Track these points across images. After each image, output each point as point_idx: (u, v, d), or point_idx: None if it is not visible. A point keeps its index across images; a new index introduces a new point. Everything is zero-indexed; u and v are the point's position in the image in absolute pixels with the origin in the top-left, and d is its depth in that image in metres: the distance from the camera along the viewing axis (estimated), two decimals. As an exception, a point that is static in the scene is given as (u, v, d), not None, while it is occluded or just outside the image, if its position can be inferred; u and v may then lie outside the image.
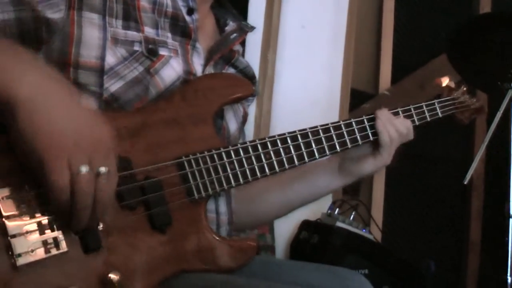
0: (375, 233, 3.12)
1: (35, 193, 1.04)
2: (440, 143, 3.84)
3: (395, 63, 3.78)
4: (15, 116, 0.98)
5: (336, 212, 2.93)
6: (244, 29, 1.57)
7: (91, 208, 1.03)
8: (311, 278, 1.43)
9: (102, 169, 1.01)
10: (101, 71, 1.23)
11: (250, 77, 1.61)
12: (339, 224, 2.77)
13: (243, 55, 1.65)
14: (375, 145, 1.58)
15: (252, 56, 3.02)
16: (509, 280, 2.52)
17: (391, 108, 1.62)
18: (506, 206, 2.59)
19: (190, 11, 1.42)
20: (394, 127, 1.57)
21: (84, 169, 0.99)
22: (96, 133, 1.03)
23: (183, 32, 1.39)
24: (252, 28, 1.60)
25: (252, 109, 2.88)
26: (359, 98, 3.64)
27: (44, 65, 1.08)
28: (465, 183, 2.37)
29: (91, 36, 1.23)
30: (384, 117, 1.57)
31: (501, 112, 2.55)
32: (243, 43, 1.65)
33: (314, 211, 2.96)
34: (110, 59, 1.24)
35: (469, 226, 4.03)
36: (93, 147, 1.01)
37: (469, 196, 4.05)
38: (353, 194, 3.44)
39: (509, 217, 2.58)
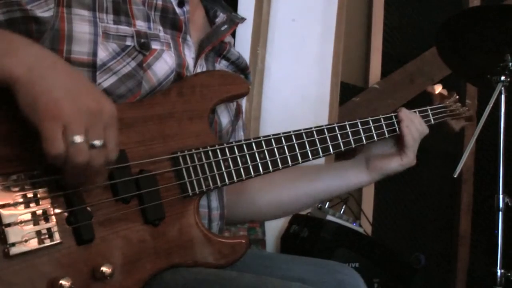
0: (365, 227, 3.13)
1: (31, 183, 1.04)
2: (430, 137, 3.84)
3: (385, 56, 3.80)
4: (17, 95, 0.98)
5: (326, 205, 2.94)
6: (235, 20, 1.56)
7: (83, 174, 1.04)
8: (302, 271, 1.43)
9: (97, 142, 1.01)
10: (93, 67, 1.23)
11: (243, 68, 1.61)
12: (330, 217, 2.78)
13: (233, 48, 1.64)
14: (400, 145, 1.65)
15: (242, 49, 3.01)
16: (499, 273, 2.53)
17: (385, 113, 1.66)
18: (496, 199, 2.60)
19: (181, 3, 1.41)
20: (415, 127, 1.64)
21: (77, 139, 0.98)
22: (97, 103, 1.03)
23: (173, 25, 1.38)
24: (243, 19, 1.59)
25: (242, 102, 2.88)
26: (349, 91, 3.65)
27: (36, 43, 1.07)
28: (455, 176, 2.38)
29: (82, 32, 1.22)
30: (407, 118, 1.64)
31: (491, 105, 2.55)
32: (233, 36, 1.65)
33: (304, 204, 2.96)
34: (102, 55, 1.23)
35: (459, 219, 4.06)
36: (92, 117, 1.01)
37: (459, 190, 4.07)
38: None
39: (498, 210, 2.58)
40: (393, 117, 1.64)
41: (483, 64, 2.75)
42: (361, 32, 3.80)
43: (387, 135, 1.63)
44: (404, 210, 3.94)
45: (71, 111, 0.98)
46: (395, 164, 1.65)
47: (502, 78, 2.61)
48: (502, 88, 2.62)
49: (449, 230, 4.10)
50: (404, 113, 1.65)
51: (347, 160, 1.69)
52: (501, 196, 2.59)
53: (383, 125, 1.62)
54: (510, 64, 2.61)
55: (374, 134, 1.60)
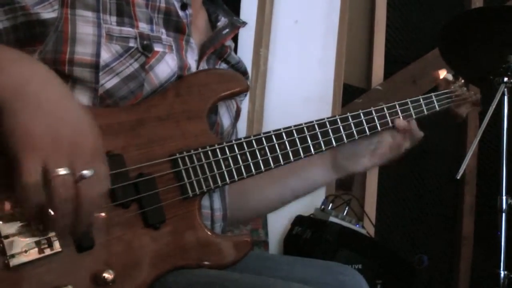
0: (368, 228, 3.12)
1: None
2: (433, 138, 3.85)
3: (387, 58, 3.79)
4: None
5: (329, 207, 2.94)
6: (236, 24, 1.57)
7: (74, 213, 0.98)
8: (304, 273, 1.43)
9: (86, 172, 0.95)
10: (96, 68, 1.22)
11: (242, 73, 1.61)
12: (332, 219, 2.77)
13: (235, 50, 1.65)
14: (372, 147, 1.61)
15: (245, 51, 3.02)
16: (501, 274, 2.52)
17: (386, 103, 1.62)
18: (499, 200, 2.59)
19: (184, 6, 1.42)
20: (397, 141, 1.61)
21: (61, 171, 0.94)
22: (80, 134, 0.99)
23: (177, 28, 1.39)
24: (244, 24, 1.60)
25: (245, 104, 2.88)
26: (352, 93, 3.65)
27: (26, 60, 1.04)
28: (457, 177, 2.37)
29: (86, 33, 1.22)
30: (400, 127, 1.60)
31: (493, 106, 2.55)
32: (235, 38, 1.65)
33: (307, 206, 2.97)
34: (105, 56, 1.23)
35: (461, 220, 4.05)
36: (75, 149, 0.97)
37: (461, 191, 4.07)
38: (346, 189, 3.44)
39: (501, 211, 2.58)
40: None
41: (486, 65, 2.74)
42: (363, 34, 3.79)
43: (368, 132, 1.56)
44: (406, 212, 3.94)
45: (48, 144, 0.94)
46: (361, 166, 1.63)
47: (505, 79, 2.60)
48: (505, 89, 2.61)
49: (452, 231, 4.10)
50: (399, 123, 1.60)
51: (313, 160, 1.66)
52: (504, 197, 2.58)
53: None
54: (512, 65, 2.60)
55: (366, 128, 1.55)
